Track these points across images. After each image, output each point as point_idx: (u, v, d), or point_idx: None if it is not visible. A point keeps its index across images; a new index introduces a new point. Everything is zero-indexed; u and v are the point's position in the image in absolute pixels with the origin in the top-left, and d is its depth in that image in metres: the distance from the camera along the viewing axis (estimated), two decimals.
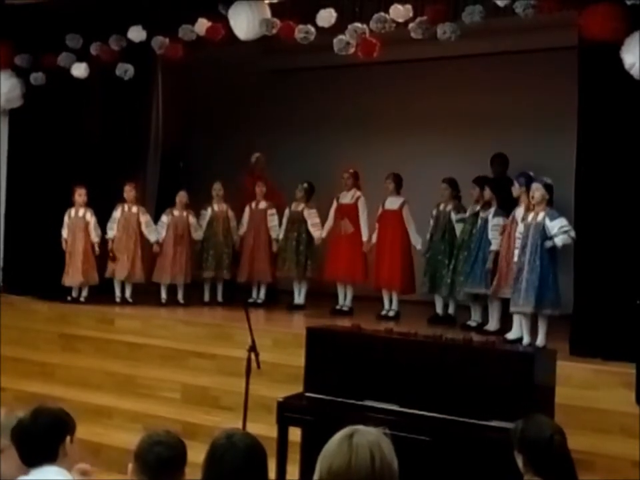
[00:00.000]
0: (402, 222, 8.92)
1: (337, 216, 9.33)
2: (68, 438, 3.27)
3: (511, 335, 7.36)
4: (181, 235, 9.63)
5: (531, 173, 7.56)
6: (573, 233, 6.88)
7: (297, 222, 9.45)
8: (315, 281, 9.67)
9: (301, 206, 9.47)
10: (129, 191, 9.52)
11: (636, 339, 5.76)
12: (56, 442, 3.24)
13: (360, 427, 2.19)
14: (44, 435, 3.22)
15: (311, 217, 9.41)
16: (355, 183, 9.32)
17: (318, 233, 9.36)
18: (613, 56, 6.38)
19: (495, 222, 7.86)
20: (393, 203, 8.99)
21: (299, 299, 9.54)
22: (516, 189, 7.62)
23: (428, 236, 8.77)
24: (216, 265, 9.70)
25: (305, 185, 9.54)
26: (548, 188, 7.09)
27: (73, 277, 9.46)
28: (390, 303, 8.98)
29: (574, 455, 3.42)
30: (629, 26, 6.37)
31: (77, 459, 3.33)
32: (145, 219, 9.60)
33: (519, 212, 7.46)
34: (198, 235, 9.75)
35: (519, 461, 3.39)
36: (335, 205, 9.35)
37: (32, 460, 3.21)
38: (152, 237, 9.58)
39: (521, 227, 7.22)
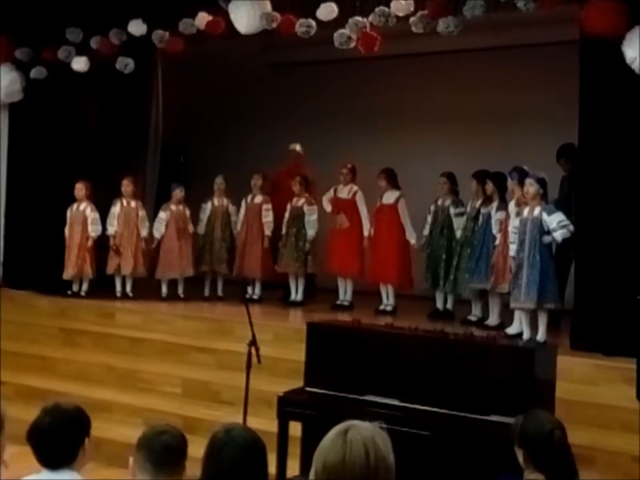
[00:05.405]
0: (397, 216, 8.88)
1: (334, 210, 9.30)
2: (86, 439, 3.17)
3: (511, 330, 7.36)
4: (183, 229, 9.61)
5: (525, 167, 7.53)
6: (571, 227, 6.88)
7: (298, 217, 9.35)
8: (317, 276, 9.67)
9: (302, 200, 9.41)
10: (126, 186, 9.50)
11: (636, 333, 5.75)
12: (76, 443, 3.13)
13: (355, 422, 2.16)
14: (65, 436, 3.11)
15: (308, 214, 9.30)
16: (353, 178, 9.29)
17: (312, 231, 9.28)
18: (614, 50, 6.37)
19: (498, 216, 7.83)
20: (389, 197, 8.97)
21: (297, 295, 9.40)
22: (511, 183, 7.61)
23: (427, 231, 8.75)
24: (213, 259, 9.68)
25: (299, 178, 9.45)
26: (542, 183, 7.09)
27: (67, 269, 9.45)
28: (387, 298, 8.95)
29: (574, 449, 3.43)
30: (630, 20, 6.36)
31: (89, 456, 3.22)
32: (141, 213, 9.60)
33: (512, 206, 7.47)
34: (198, 228, 9.71)
35: (520, 456, 3.39)
36: (331, 194, 9.31)
37: (51, 462, 3.10)
38: (143, 232, 9.55)
39: (515, 222, 7.21)
